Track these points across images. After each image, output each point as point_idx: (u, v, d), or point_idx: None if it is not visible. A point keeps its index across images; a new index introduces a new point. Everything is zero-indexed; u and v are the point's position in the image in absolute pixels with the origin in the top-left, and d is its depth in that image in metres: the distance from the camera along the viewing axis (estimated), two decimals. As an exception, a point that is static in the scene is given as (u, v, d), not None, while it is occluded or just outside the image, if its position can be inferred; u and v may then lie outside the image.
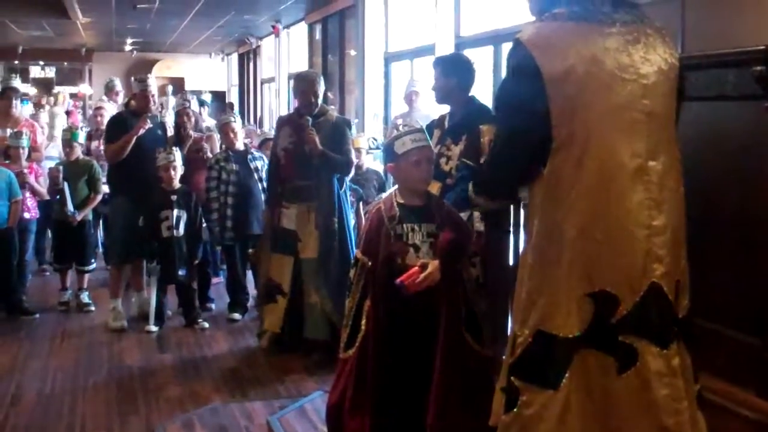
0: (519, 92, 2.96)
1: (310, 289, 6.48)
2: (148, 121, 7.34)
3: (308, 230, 6.50)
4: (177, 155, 7.37)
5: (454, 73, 5.16)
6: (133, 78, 7.98)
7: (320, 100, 6.65)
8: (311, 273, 6.49)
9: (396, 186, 4.33)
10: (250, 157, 7.78)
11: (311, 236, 6.49)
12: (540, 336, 2.86)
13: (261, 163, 7.70)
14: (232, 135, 7.82)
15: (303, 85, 6.70)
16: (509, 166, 3.13)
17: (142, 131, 7.28)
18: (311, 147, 6.34)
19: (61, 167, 8.02)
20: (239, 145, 7.89)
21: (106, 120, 9.78)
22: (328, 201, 6.46)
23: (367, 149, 8.98)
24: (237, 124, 8.00)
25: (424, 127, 4.39)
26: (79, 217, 7.98)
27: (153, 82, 7.71)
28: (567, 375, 2.82)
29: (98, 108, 10.77)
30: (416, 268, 3.89)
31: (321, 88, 6.67)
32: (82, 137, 8.46)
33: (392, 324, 4.11)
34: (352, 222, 6.88)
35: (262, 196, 7.51)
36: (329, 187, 6.48)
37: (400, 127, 4.28)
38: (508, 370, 2.99)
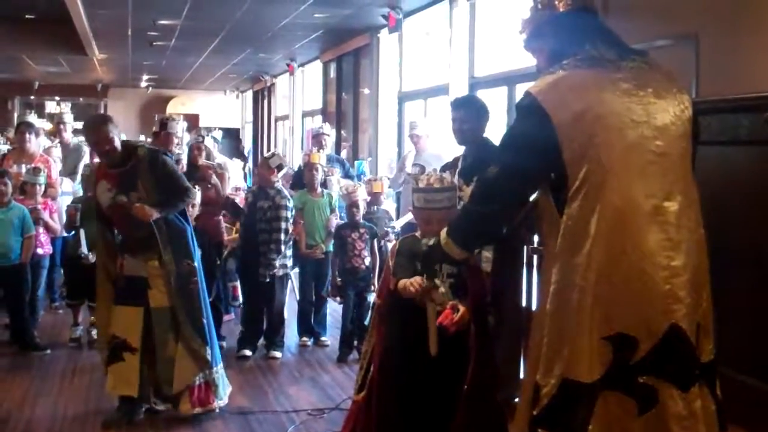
0: (528, 133, 3.01)
1: (167, 340, 5.89)
2: None
3: (156, 275, 5.85)
4: (197, 193, 7.36)
5: (483, 115, 5.23)
6: (156, 117, 7.99)
7: (117, 144, 5.80)
8: (166, 323, 5.88)
9: None
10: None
11: (160, 282, 5.85)
12: (566, 384, 2.84)
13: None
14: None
15: (90, 136, 5.96)
16: (501, 201, 3.14)
17: None
18: (146, 220, 5.70)
19: (78, 205, 8.04)
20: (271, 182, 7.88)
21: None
22: (174, 243, 5.86)
23: (386, 190, 9.01)
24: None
25: (438, 168, 4.38)
26: (92, 259, 7.98)
27: (180, 126, 7.66)
28: (593, 420, 2.80)
29: None
30: (448, 309, 3.77)
31: (111, 130, 5.76)
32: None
33: (403, 364, 4.09)
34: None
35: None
36: (170, 229, 5.86)
37: (422, 179, 4.20)
38: (533, 421, 2.95)
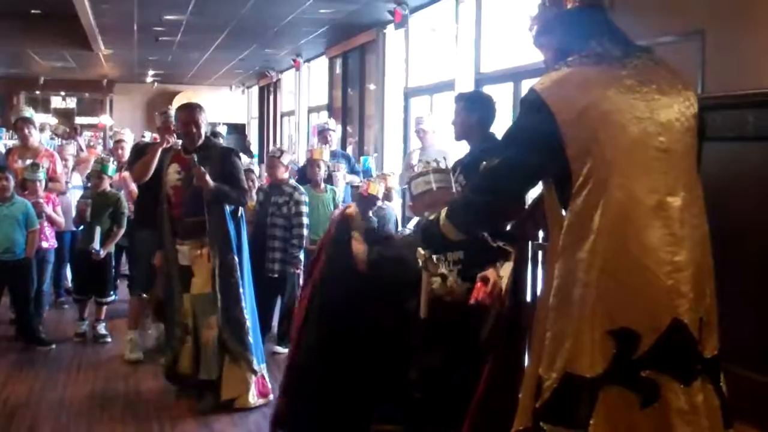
0: (531, 129, 3.00)
1: (203, 325, 6.28)
2: (170, 139, 7.26)
3: (201, 264, 6.31)
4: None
5: (476, 109, 5.14)
6: (156, 113, 7.99)
7: (203, 131, 6.48)
8: (203, 308, 6.27)
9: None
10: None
11: (204, 270, 6.28)
12: (568, 378, 2.85)
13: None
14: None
15: (182, 115, 6.50)
16: (500, 194, 3.14)
17: (167, 144, 7.15)
18: (202, 184, 6.15)
19: (89, 201, 8.04)
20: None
21: (127, 152, 9.81)
22: (222, 235, 6.24)
23: (398, 189, 8.99)
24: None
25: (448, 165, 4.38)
26: (102, 254, 8.01)
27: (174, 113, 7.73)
28: (594, 414, 2.81)
29: (119, 141, 10.64)
30: (479, 283, 3.84)
31: (203, 118, 6.47)
32: (111, 170, 8.46)
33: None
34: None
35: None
36: (221, 221, 6.25)
37: (418, 166, 4.22)
38: (536, 414, 2.95)
